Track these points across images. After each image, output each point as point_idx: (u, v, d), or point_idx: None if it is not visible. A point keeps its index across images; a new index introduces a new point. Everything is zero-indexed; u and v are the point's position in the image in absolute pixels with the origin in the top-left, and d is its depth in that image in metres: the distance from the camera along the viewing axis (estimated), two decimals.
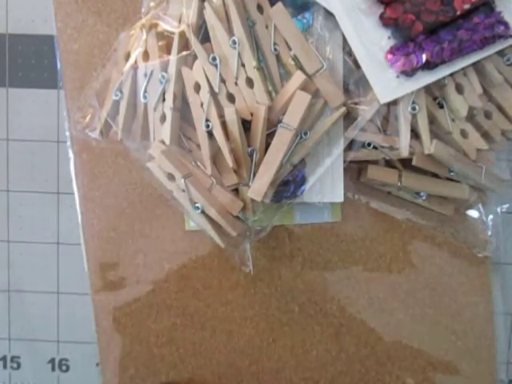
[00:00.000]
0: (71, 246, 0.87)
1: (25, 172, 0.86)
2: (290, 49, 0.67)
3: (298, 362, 0.84)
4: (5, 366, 0.92)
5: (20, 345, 0.91)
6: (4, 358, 0.92)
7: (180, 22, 0.68)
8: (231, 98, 0.67)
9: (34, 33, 0.84)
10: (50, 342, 0.90)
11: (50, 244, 0.87)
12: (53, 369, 0.91)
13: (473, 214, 0.78)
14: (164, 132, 0.68)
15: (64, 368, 0.90)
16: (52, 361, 0.91)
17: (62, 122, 0.84)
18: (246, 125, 0.67)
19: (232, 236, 0.70)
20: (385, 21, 0.66)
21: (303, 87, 0.65)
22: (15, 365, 0.92)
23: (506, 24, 0.64)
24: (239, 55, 0.65)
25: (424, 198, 0.75)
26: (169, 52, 0.68)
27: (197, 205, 0.67)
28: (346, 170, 0.72)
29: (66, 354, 0.89)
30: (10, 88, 0.84)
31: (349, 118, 0.70)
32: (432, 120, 0.70)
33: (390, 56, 0.66)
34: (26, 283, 0.88)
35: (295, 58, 0.67)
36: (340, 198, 0.72)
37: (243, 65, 0.65)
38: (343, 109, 0.68)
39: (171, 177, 0.68)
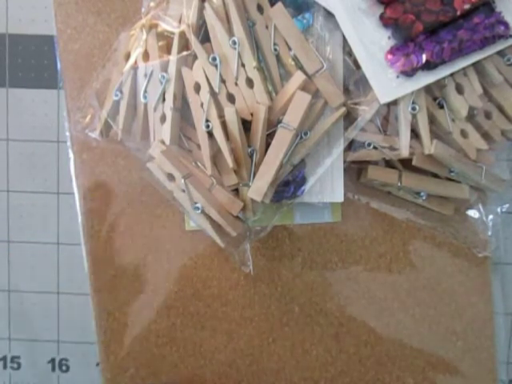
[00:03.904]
0: (71, 246, 0.87)
1: (25, 172, 0.86)
2: (290, 49, 0.67)
3: (298, 361, 0.84)
4: (5, 366, 0.92)
5: (20, 345, 0.91)
6: (4, 358, 0.92)
7: (180, 22, 0.68)
8: (231, 98, 0.67)
9: (34, 33, 0.84)
10: (50, 341, 0.90)
11: (50, 244, 0.87)
12: (53, 369, 0.91)
13: (473, 213, 0.78)
14: (164, 132, 0.68)
15: (64, 368, 0.90)
16: (52, 361, 0.91)
17: (62, 122, 0.84)
18: (246, 125, 0.67)
19: (232, 236, 0.70)
20: (385, 21, 0.66)
21: (303, 87, 0.66)
22: (15, 365, 0.92)
23: (506, 24, 0.64)
24: (239, 55, 0.65)
25: (424, 198, 0.75)
26: (169, 52, 0.68)
27: (197, 205, 0.67)
28: (346, 170, 0.72)
29: (66, 354, 0.89)
30: (10, 88, 0.85)
31: (349, 118, 0.70)
32: (432, 120, 0.70)
33: (390, 56, 0.66)
34: (26, 283, 0.88)
35: (295, 58, 0.67)
36: (340, 198, 0.72)
37: (243, 65, 0.65)
38: (343, 109, 0.68)
39: (171, 177, 0.68)
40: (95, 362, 0.89)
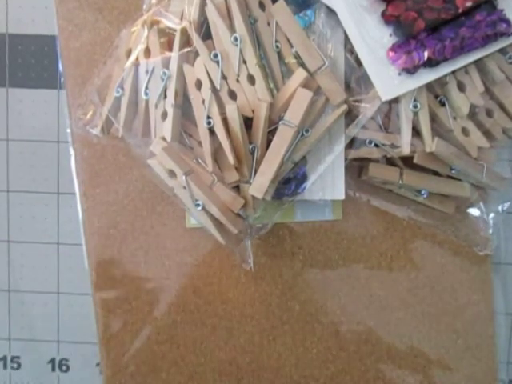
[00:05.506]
0: (71, 246, 0.87)
1: (25, 172, 0.86)
2: (291, 46, 0.67)
3: (299, 359, 0.84)
4: (5, 366, 0.91)
5: (20, 345, 0.91)
6: (4, 358, 0.91)
7: (182, 18, 0.68)
8: (232, 95, 0.67)
9: (34, 33, 0.84)
10: (50, 341, 0.90)
11: (50, 244, 0.87)
12: (53, 369, 0.90)
13: (474, 212, 0.78)
14: (165, 129, 0.68)
15: (64, 368, 0.90)
16: (52, 361, 0.90)
17: (62, 122, 0.84)
18: (247, 122, 0.67)
19: (233, 233, 0.70)
20: (387, 18, 0.66)
21: (305, 84, 0.66)
22: (15, 365, 0.91)
23: (508, 22, 0.65)
24: (241, 52, 0.65)
25: (425, 196, 0.75)
26: (170, 49, 0.68)
27: (198, 202, 0.67)
28: (347, 167, 0.72)
29: (66, 354, 0.89)
30: (10, 88, 0.85)
31: (350, 115, 0.70)
32: (433, 118, 0.70)
33: (391, 53, 0.66)
34: (26, 283, 0.88)
35: (297, 56, 0.67)
36: (341, 196, 0.72)
37: (245, 62, 0.65)
38: (344, 106, 0.68)
39: (172, 174, 0.68)
40: (95, 361, 0.88)
